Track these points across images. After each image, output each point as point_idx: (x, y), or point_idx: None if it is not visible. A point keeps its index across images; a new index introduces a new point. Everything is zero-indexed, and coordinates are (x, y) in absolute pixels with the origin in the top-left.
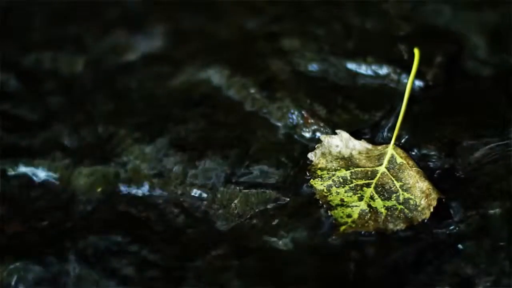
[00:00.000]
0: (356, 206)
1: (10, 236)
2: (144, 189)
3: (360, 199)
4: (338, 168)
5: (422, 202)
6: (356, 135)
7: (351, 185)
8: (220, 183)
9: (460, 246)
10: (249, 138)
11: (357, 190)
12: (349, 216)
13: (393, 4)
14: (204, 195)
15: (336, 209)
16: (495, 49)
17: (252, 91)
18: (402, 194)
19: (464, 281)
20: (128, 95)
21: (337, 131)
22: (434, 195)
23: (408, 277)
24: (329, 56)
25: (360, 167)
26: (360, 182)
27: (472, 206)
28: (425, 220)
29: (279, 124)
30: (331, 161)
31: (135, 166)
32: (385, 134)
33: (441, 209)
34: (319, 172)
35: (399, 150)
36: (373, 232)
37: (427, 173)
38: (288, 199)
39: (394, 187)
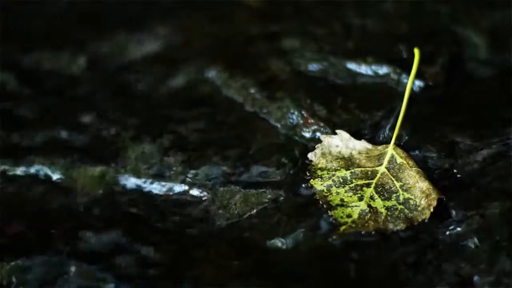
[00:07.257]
0: (356, 206)
1: (10, 236)
2: (144, 189)
3: (360, 199)
4: (338, 168)
5: (422, 202)
6: (356, 135)
7: (351, 185)
8: (220, 183)
9: (460, 246)
10: (249, 138)
11: (357, 190)
12: (349, 216)
13: (393, 4)
14: (204, 195)
15: (336, 209)
16: (495, 49)
17: (252, 91)
18: (402, 194)
19: (464, 281)
20: (128, 95)
21: (337, 131)
22: (434, 195)
23: (408, 277)
24: (329, 56)
25: (360, 167)
26: (360, 182)
27: (472, 206)
28: (425, 220)
29: (279, 124)
30: (331, 161)
31: (135, 166)
32: (385, 134)
33: (441, 209)
34: (319, 172)
35: (399, 150)
36: (373, 232)
37: (427, 173)
38: (288, 199)
39: (394, 187)
